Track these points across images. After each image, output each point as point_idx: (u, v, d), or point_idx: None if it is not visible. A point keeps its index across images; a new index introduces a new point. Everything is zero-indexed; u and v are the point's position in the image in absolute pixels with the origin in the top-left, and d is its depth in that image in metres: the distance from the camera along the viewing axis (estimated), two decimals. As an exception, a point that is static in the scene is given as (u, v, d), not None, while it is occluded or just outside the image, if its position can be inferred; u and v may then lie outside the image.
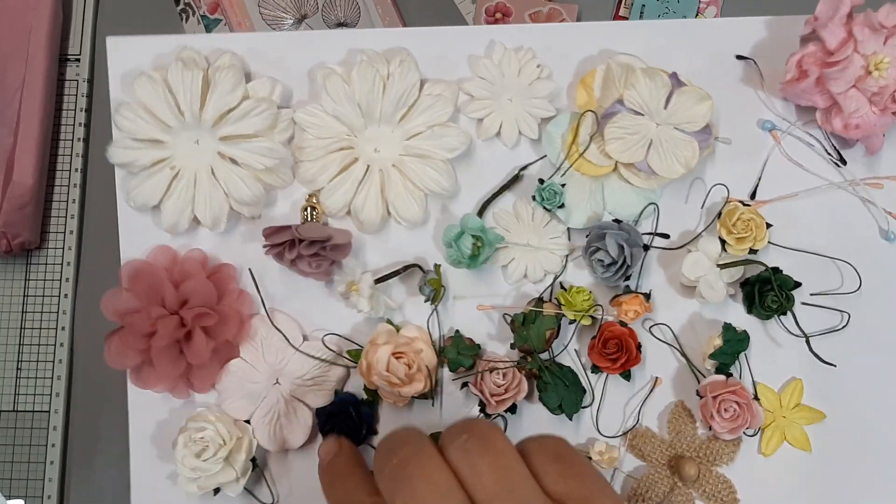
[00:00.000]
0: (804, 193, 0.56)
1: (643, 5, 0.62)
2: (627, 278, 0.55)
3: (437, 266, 0.55)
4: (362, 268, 0.54)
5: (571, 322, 0.55)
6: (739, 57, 0.56)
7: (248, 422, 0.55)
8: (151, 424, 0.56)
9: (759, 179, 0.56)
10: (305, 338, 0.55)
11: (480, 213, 0.55)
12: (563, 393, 0.54)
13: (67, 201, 0.79)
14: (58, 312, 0.76)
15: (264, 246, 0.53)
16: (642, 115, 0.52)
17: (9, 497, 0.69)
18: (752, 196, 0.56)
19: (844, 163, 0.56)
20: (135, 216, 0.56)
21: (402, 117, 0.54)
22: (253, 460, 0.55)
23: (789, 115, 0.56)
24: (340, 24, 0.65)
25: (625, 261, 0.52)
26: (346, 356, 0.55)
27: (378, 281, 0.54)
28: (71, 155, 0.79)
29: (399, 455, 0.33)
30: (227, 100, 0.52)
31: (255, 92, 0.53)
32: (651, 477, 0.56)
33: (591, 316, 0.54)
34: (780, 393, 0.55)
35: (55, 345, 0.79)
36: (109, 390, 0.72)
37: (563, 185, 0.54)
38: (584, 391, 0.55)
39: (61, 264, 0.78)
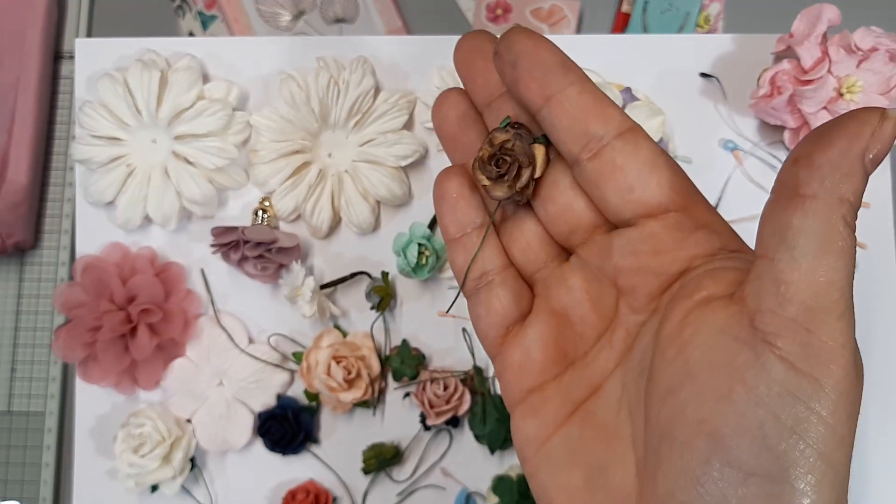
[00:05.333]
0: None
1: (646, 2, 0.61)
2: None
3: (384, 274, 0.55)
4: (308, 272, 0.54)
5: None
6: (703, 75, 0.55)
7: (189, 421, 0.55)
8: (95, 419, 0.56)
9: (719, 200, 0.55)
10: (251, 340, 0.56)
11: (433, 223, 0.55)
12: (492, 425, 0.53)
13: (62, 200, 0.79)
14: (52, 313, 0.77)
15: (212, 245, 0.53)
16: (594, 128, 0.52)
17: (3, 499, 0.70)
18: (712, 216, 0.55)
19: (808, 186, 0.54)
20: (92, 212, 0.57)
21: (356, 124, 0.54)
22: (192, 460, 0.55)
23: (753, 135, 0.55)
24: (339, 21, 0.65)
25: None
26: (291, 358, 0.55)
27: (324, 287, 0.54)
28: (66, 153, 0.80)
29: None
30: (182, 99, 0.53)
31: (211, 93, 0.54)
32: None
33: None
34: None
35: (50, 345, 0.79)
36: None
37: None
38: None
39: (56, 264, 0.79)
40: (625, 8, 0.62)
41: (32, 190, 0.76)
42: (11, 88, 0.73)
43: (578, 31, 0.63)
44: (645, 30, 0.63)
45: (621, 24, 0.62)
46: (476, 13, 0.62)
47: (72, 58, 0.77)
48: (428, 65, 0.55)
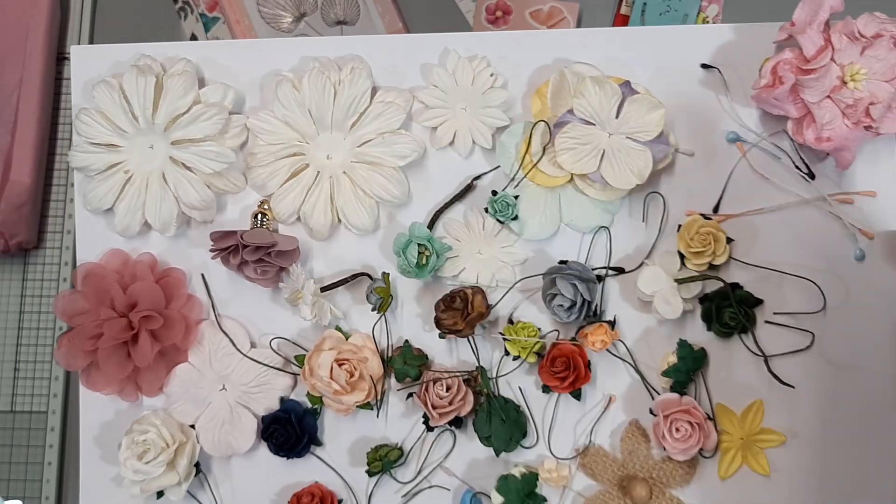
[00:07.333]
0: (770, 208, 0.53)
1: (644, 3, 0.60)
2: (596, 314, 0.53)
3: (385, 275, 0.54)
4: (308, 275, 0.54)
5: (516, 358, 0.53)
6: (704, 66, 0.54)
7: (193, 427, 0.55)
8: (99, 426, 0.56)
9: (723, 192, 0.54)
10: (253, 344, 0.55)
11: (432, 223, 0.55)
12: (497, 427, 0.52)
13: (65, 201, 0.79)
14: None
15: (211, 250, 0.53)
16: (593, 124, 0.51)
17: (7, 498, 0.70)
18: (716, 210, 0.54)
19: (813, 177, 0.53)
20: (92, 219, 0.56)
21: (353, 124, 0.54)
22: (196, 465, 0.54)
23: (756, 126, 0.54)
24: (340, 23, 0.65)
25: (583, 298, 0.51)
26: (294, 361, 0.55)
27: (325, 289, 0.54)
28: (68, 154, 0.80)
29: None
30: (178, 104, 0.53)
31: (207, 98, 0.54)
32: (601, 497, 0.54)
33: (537, 353, 0.53)
34: (740, 414, 0.53)
35: (53, 345, 0.79)
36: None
37: (516, 197, 0.53)
38: (524, 433, 0.53)
39: (59, 264, 0.79)
40: (623, 10, 0.61)
41: (36, 190, 0.75)
42: (14, 90, 0.73)
43: (577, 31, 0.62)
44: (644, 27, 0.62)
45: (620, 25, 0.61)
46: (476, 15, 0.62)
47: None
48: (425, 63, 0.55)
